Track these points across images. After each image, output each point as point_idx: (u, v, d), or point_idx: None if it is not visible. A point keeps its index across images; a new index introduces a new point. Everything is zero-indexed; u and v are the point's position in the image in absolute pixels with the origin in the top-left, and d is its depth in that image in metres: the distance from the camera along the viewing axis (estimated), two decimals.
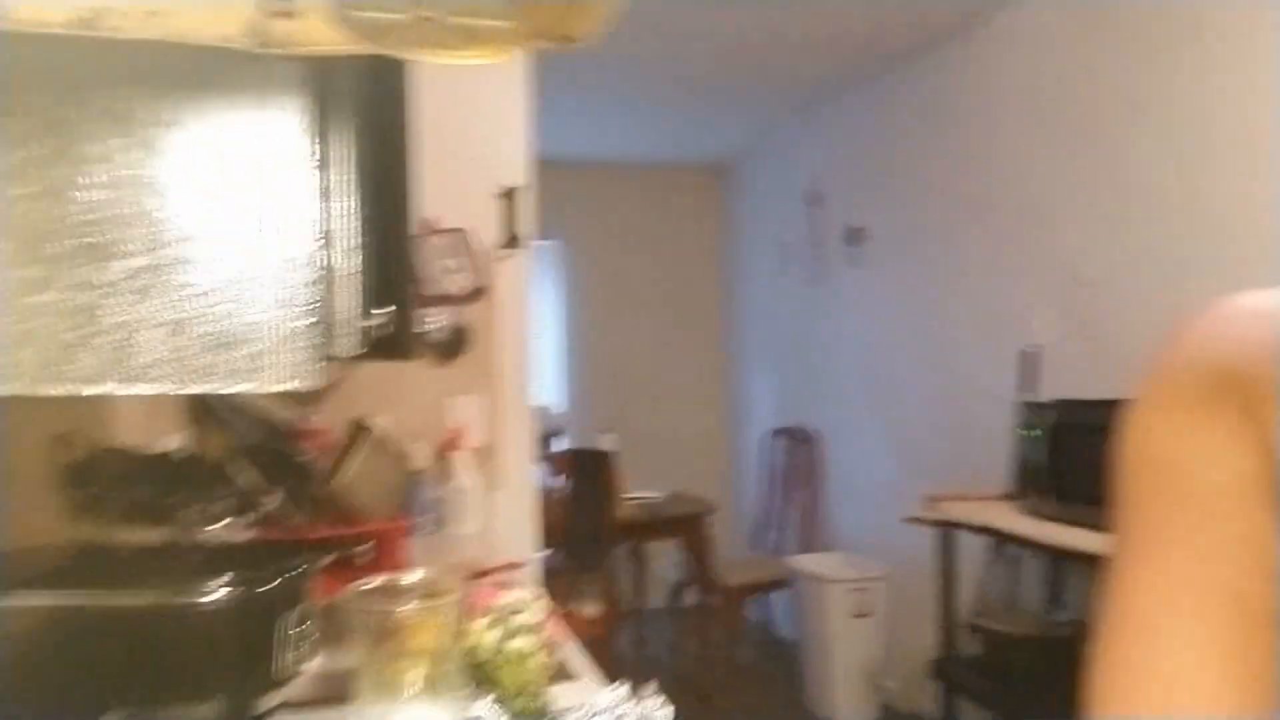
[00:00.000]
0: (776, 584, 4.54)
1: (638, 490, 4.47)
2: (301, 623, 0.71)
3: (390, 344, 0.88)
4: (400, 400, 2.70)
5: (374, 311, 0.83)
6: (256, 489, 1.93)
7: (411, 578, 0.97)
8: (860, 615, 3.90)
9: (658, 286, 5.93)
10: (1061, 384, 2.91)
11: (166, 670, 0.67)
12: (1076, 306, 2.99)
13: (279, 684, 0.70)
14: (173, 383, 0.52)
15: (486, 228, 2.72)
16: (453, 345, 2.69)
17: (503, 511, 2.81)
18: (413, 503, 2.53)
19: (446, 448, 2.67)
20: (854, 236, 4.39)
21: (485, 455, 2.78)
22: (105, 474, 0.88)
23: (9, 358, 0.49)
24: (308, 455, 2.13)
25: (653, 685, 1.16)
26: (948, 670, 2.92)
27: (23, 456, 1.01)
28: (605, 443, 4.63)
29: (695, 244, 6.02)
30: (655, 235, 5.93)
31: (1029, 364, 2.98)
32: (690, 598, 4.63)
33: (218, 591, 0.68)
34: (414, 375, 2.71)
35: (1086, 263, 2.95)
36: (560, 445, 4.98)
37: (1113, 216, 2.87)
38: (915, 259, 3.95)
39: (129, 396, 1.38)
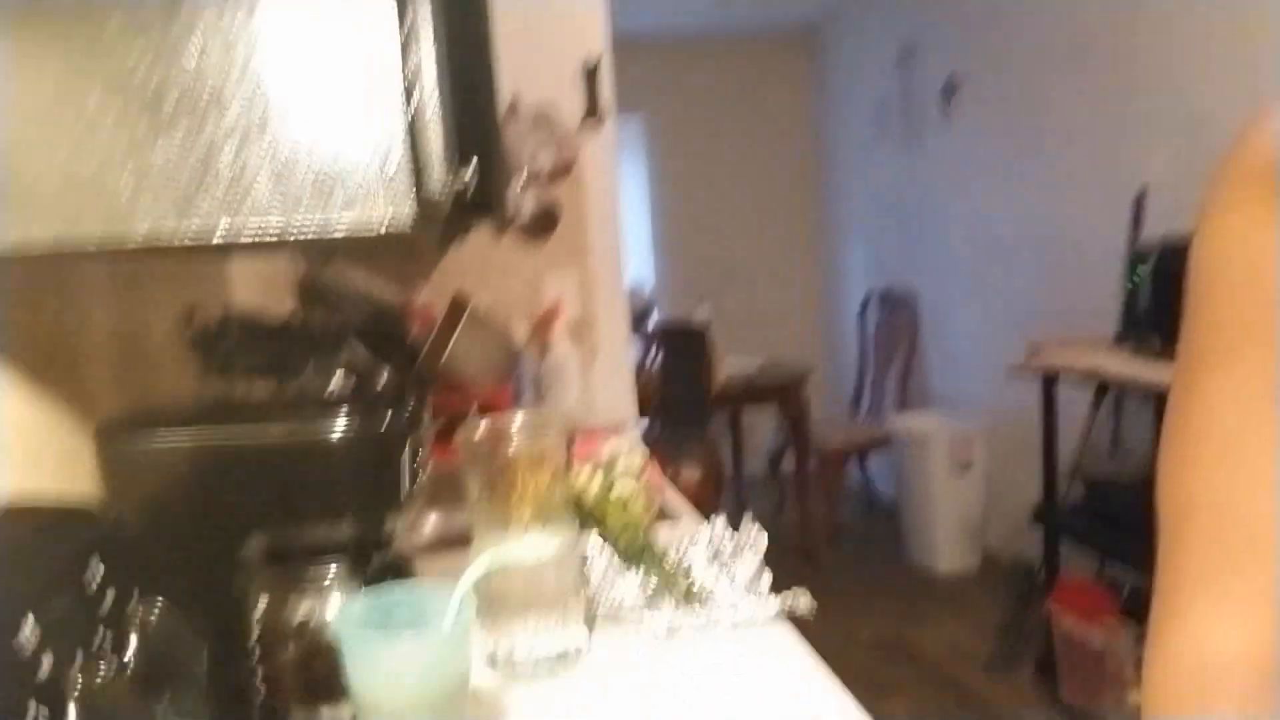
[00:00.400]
0: (875, 445, 4.58)
1: (733, 360, 4.52)
2: (417, 453, 0.78)
3: (481, 201, 0.92)
4: (496, 280, 2.78)
5: (462, 164, 0.87)
6: (366, 366, 2.04)
7: (517, 421, 1.03)
8: (961, 469, 3.91)
9: (746, 158, 5.83)
10: (1178, 226, 2.80)
11: (301, 498, 0.74)
12: (1193, 144, 2.85)
13: (403, 508, 0.77)
14: (282, 221, 0.56)
15: (569, 102, 2.72)
16: (543, 223, 2.74)
17: (601, 383, 2.90)
18: (514, 378, 2.63)
19: (544, 323, 2.74)
20: (951, 91, 4.22)
21: (582, 328, 2.86)
22: (230, 338, 0.96)
23: (131, 209, 0.55)
24: (412, 334, 2.22)
25: (748, 517, 1.22)
26: (1050, 516, 2.93)
27: (155, 329, 1.10)
28: (699, 314, 4.67)
29: (784, 113, 5.87)
30: (742, 106, 5.79)
31: (1140, 206, 2.87)
32: (789, 465, 4.71)
33: (342, 426, 0.75)
34: (507, 255, 2.78)
35: (1204, 98, 2.80)
36: (653, 322, 5.04)
37: (1230, 49, 2.69)
38: (1017, 108, 3.79)
39: (246, 274, 1.47)
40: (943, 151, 4.38)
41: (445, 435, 2.06)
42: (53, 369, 0.83)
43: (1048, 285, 3.65)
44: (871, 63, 5.04)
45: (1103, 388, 3.01)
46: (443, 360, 1.97)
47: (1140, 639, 2.48)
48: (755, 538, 1.19)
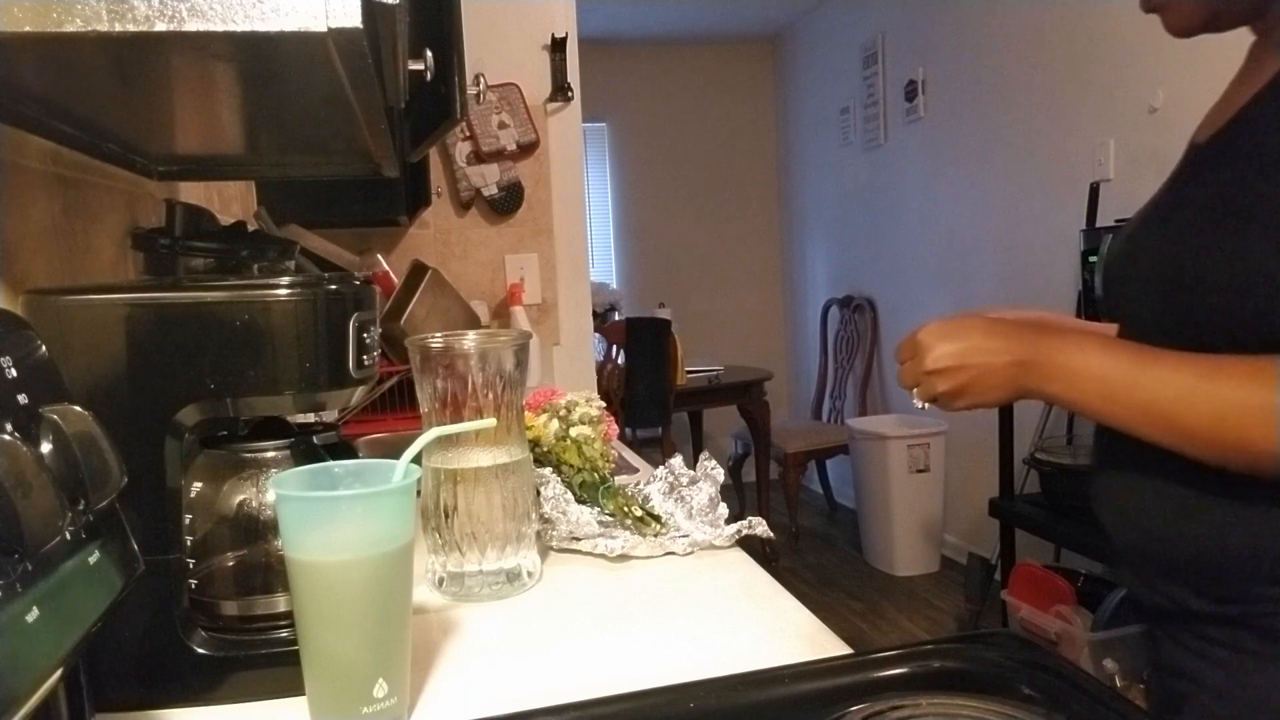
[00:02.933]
0: (835, 450, 4.59)
1: (695, 366, 4.53)
2: (365, 330, 0.75)
3: (437, 98, 0.90)
4: (460, 257, 2.76)
5: (416, 57, 0.85)
6: (314, 277, 2.00)
7: (471, 338, 1.00)
8: (919, 471, 3.92)
9: (710, 163, 5.85)
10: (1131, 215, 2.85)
11: (241, 364, 0.71)
12: (1147, 136, 2.90)
13: (348, 384, 0.75)
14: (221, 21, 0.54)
15: (535, 81, 2.72)
16: (508, 200, 2.72)
17: (562, 367, 2.87)
18: None
19: (506, 303, 2.72)
20: (914, 91, 4.27)
21: (544, 311, 2.83)
22: (176, 229, 0.92)
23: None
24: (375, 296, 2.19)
25: (705, 454, 1.20)
26: (1006, 508, 2.95)
27: (99, 242, 1.06)
28: (661, 314, 4.67)
29: (748, 117, 5.91)
30: (707, 111, 5.83)
31: (1096, 198, 2.91)
32: (750, 474, 4.71)
33: (286, 286, 0.72)
34: (472, 232, 2.76)
35: (1158, 90, 2.85)
36: (616, 318, 5.03)
37: (1183, 46, 2.75)
38: (978, 106, 3.84)
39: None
40: (907, 153, 4.43)
41: (402, 404, 2.02)
42: None
43: (1008, 285, 3.69)
44: (835, 67, 5.09)
45: None
46: (402, 320, 1.94)
47: (1094, 626, 2.47)
48: (712, 470, 1.18)
